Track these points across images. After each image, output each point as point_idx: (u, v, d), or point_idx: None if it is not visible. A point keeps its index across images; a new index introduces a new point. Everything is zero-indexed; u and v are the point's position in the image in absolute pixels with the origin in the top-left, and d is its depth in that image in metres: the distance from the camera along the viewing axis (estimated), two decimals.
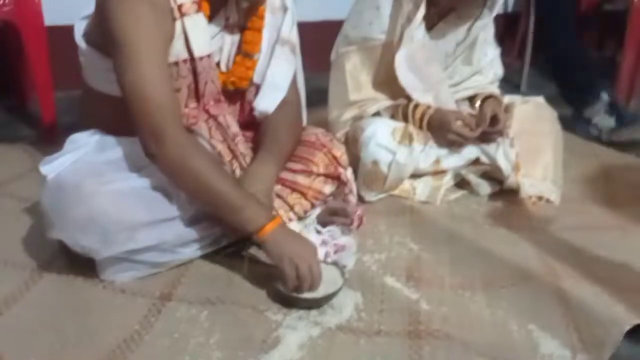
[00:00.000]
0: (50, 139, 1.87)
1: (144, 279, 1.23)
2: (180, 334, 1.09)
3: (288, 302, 1.17)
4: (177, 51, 1.23)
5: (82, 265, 1.22)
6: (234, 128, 1.35)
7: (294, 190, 1.36)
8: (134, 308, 1.15)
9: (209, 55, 1.27)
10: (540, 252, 1.39)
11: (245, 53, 1.34)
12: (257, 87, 1.37)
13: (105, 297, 1.19)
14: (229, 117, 1.35)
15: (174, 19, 1.21)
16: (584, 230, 1.50)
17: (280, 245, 1.17)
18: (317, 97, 1.78)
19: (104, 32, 1.20)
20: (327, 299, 1.18)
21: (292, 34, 1.39)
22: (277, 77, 1.37)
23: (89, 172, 1.19)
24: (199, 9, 1.23)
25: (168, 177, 1.21)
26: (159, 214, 1.21)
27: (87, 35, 1.31)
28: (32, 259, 1.28)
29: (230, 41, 1.33)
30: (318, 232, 1.35)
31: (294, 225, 1.30)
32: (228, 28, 1.32)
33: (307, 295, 1.16)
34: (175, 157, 1.17)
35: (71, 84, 1.87)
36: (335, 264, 1.25)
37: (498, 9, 1.64)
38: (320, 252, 1.25)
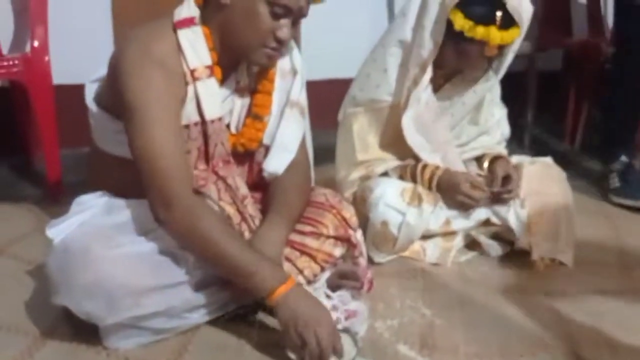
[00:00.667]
0: (55, 198, 1.87)
1: (148, 346, 1.20)
2: None
3: None
4: (189, 114, 1.24)
5: (86, 332, 1.19)
6: (243, 190, 1.34)
7: (303, 253, 1.33)
8: None
9: (220, 118, 1.28)
10: (556, 318, 1.36)
11: (255, 115, 1.35)
12: (267, 149, 1.37)
13: None
14: (238, 179, 1.34)
15: (186, 83, 1.22)
16: (599, 294, 1.47)
17: (292, 310, 1.13)
18: (325, 154, 1.77)
19: (115, 95, 1.21)
20: None
21: (301, 97, 1.40)
22: (287, 138, 1.37)
23: (96, 236, 1.17)
24: (211, 74, 1.24)
25: (178, 242, 1.20)
26: (166, 279, 1.19)
27: (98, 98, 1.32)
28: (34, 326, 1.25)
29: (240, 104, 1.34)
30: (328, 296, 1.31)
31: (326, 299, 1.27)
32: (239, 91, 1.33)
33: None
34: (184, 223, 1.16)
35: (77, 141, 1.89)
36: (347, 330, 1.22)
37: (503, 71, 1.66)
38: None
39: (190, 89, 1.23)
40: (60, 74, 1.99)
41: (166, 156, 1.17)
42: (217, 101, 1.27)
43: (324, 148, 1.76)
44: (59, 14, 2.00)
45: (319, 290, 1.32)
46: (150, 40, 1.21)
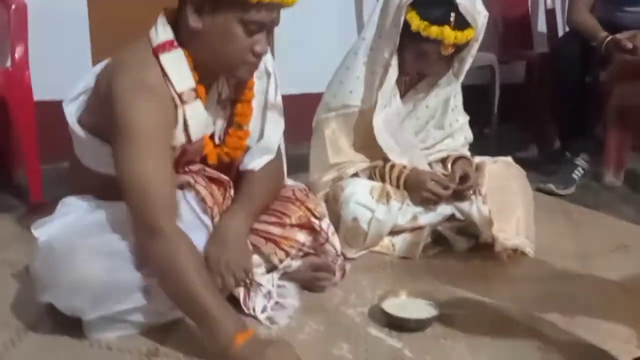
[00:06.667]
0: (37, 212, 1.88)
1: (130, 336, 1.23)
2: None
3: (396, 324, 1.30)
4: (177, 137, 1.27)
5: (69, 324, 1.23)
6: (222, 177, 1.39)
7: (268, 240, 1.39)
8: None
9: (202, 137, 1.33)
10: (517, 300, 1.44)
11: (237, 125, 1.39)
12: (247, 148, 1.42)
13: (92, 354, 1.19)
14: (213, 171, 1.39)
15: (175, 107, 1.25)
16: (557, 279, 1.56)
17: (257, 354, 1.11)
18: (297, 165, 1.86)
19: (103, 118, 1.23)
20: (430, 321, 1.31)
21: (277, 98, 1.46)
22: (268, 140, 1.43)
23: (80, 234, 1.21)
24: (196, 96, 1.27)
25: (155, 271, 1.20)
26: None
27: (81, 119, 1.33)
28: (17, 320, 1.29)
29: (222, 115, 1.39)
30: (277, 285, 1.39)
31: (262, 278, 1.35)
32: (220, 103, 1.38)
33: (411, 316, 1.30)
34: (164, 255, 1.16)
35: (57, 157, 1.92)
36: (269, 319, 1.31)
37: (463, 75, 1.77)
38: (259, 304, 1.31)
39: (180, 112, 1.25)
40: (41, 90, 2.03)
41: (155, 187, 1.18)
42: (202, 122, 1.30)
43: (297, 159, 1.84)
44: (37, 30, 2.05)
45: (274, 274, 1.40)
46: (141, 68, 1.22)
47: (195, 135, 1.28)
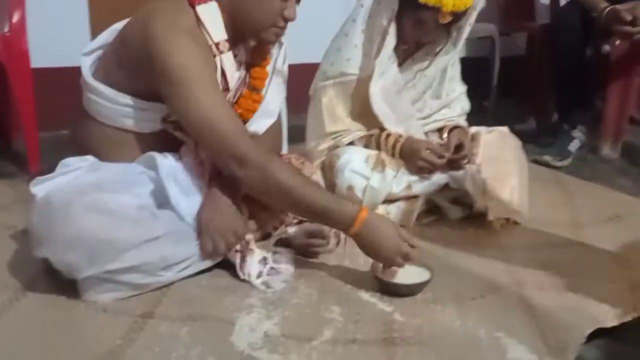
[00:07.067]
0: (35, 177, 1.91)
1: (126, 299, 1.26)
2: (161, 349, 1.11)
3: (387, 290, 1.32)
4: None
5: (65, 286, 1.25)
6: None
7: (263, 207, 1.42)
8: (116, 325, 1.18)
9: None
10: (507, 266, 1.46)
11: (253, 87, 1.44)
12: None
13: (87, 314, 1.21)
14: None
15: (214, 55, 1.30)
16: (548, 247, 1.58)
17: (372, 236, 1.29)
18: (296, 134, 1.89)
19: (136, 69, 1.27)
20: (422, 286, 1.33)
21: (284, 67, 1.51)
22: (271, 104, 1.47)
23: (78, 191, 1.22)
24: (230, 47, 1.33)
25: (257, 196, 1.30)
26: (144, 234, 1.24)
27: (98, 72, 1.37)
28: (15, 280, 1.31)
29: (237, 76, 1.42)
30: (273, 251, 1.41)
31: (255, 251, 1.36)
32: (236, 65, 1.40)
33: (403, 282, 1.32)
34: (261, 177, 1.26)
35: (57, 124, 1.94)
36: (265, 284, 1.33)
37: (461, 44, 1.76)
38: (254, 269, 1.34)
39: (218, 60, 1.31)
40: (38, 57, 2.02)
41: (227, 120, 1.25)
42: (234, 73, 1.35)
43: (296, 129, 1.86)
44: None
45: (267, 245, 1.42)
46: (177, 13, 1.26)
47: (231, 84, 1.33)
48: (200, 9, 1.28)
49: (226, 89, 1.34)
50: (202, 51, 1.26)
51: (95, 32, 1.48)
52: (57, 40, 2.23)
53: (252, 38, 1.39)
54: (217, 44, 1.30)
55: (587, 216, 1.80)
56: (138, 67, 1.27)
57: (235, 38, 1.35)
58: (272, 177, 1.25)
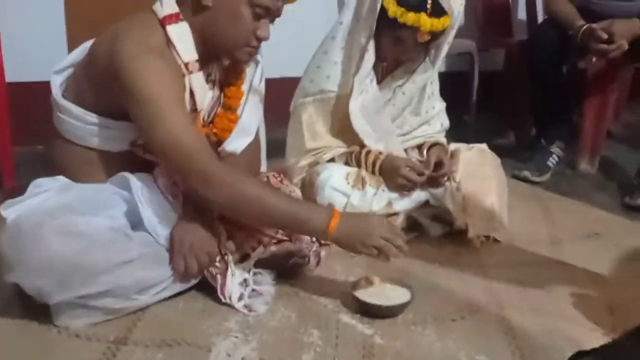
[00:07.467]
0: (9, 195, 1.86)
1: (98, 324, 1.23)
2: None
3: (367, 311, 1.31)
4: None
5: (37, 311, 1.22)
6: None
7: (240, 228, 1.39)
8: (88, 352, 1.15)
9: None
10: (487, 285, 1.46)
11: (227, 107, 1.42)
12: None
13: (59, 341, 1.18)
14: None
15: (183, 75, 1.29)
16: (528, 266, 1.58)
17: (348, 237, 1.27)
18: (276, 148, 1.87)
19: (102, 88, 1.25)
20: (402, 307, 1.31)
21: (261, 85, 1.50)
22: (248, 123, 1.46)
23: (47, 215, 1.20)
24: (200, 67, 1.31)
25: (228, 213, 1.28)
26: (117, 256, 1.22)
27: (68, 90, 1.34)
28: None
29: (211, 95, 1.40)
30: (249, 271, 1.38)
31: (235, 273, 1.34)
32: (209, 84, 1.39)
33: (383, 303, 1.30)
34: (230, 194, 1.23)
35: (32, 140, 1.90)
36: (247, 307, 1.31)
37: (439, 62, 1.77)
38: (235, 291, 1.31)
39: (187, 80, 1.29)
40: (13, 72, 1.99)
41: (192, 140, 1.22)
42: (204, 94, 1.34)
43: (275, 143, 1.85)
44: (11, 11, 2.01)
45: (247, 264, 1.39)
46: (146, 32, 1.24)
47: (200, 105, 1.31)
48: (170, 28, 1.26)
49: (194, 109, 1.32)
50: (170, 70, 1.25)
51: (72, 47, 1.45)
52: (32, 55, 2.20)
53: (225, 57, 1.38)
54: (186, 64, 1.28)
55: (565, 233, 1.81)
56: (106, 85, 1.25)
57: (208, 57, 1.34)
58: (239, 192, 1.23)
